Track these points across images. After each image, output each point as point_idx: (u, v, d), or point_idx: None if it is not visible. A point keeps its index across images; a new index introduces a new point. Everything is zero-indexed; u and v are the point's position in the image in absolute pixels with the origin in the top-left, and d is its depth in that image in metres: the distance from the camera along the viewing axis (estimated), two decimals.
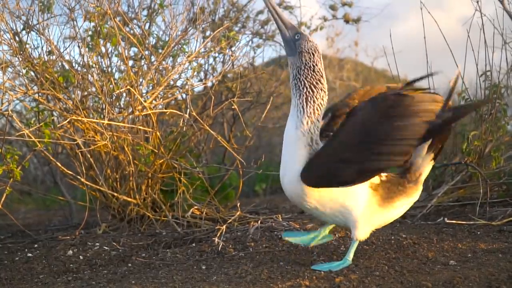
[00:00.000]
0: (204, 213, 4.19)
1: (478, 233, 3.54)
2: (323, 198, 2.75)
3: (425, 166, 2.87)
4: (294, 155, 2.76)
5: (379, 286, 2.58)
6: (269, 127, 8.69)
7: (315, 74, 2.78)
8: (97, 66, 4.16)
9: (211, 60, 5.50)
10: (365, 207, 2.77)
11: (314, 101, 2.75)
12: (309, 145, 2.73)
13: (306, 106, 2.75)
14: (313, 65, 2.78)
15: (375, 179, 2.77)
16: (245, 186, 8.22)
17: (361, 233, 2.82)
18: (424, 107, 2.57)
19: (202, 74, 5.54)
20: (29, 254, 3.79)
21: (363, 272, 2.73)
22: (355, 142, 2.63)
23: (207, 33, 5.08)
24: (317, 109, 2.75)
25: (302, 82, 2.76)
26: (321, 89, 2.76)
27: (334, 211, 2.78)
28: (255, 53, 5.76)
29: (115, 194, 4.25)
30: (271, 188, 8.28)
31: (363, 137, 2.60)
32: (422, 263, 2.84)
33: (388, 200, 2.80)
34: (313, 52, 2.80)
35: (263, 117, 4.54)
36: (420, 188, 2.90)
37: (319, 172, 2.69)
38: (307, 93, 2.75)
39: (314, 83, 2.76)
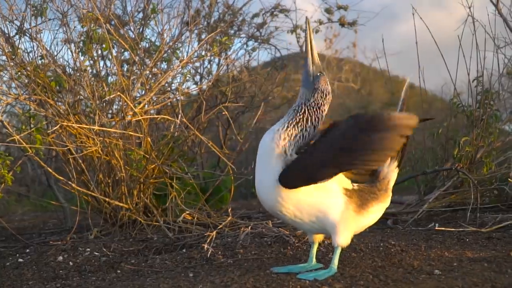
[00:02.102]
0: (196, 218, 4.19)
1: (467, 240, 3.54)
2: (300, 203, 2.80)
3: (392, 173, 2.98)
4: (269, 165, 2.81)
5: None
6: (267, 128, 8.65)
7: (318, 112, 2.87)
8: (87, 72, 4.16)
9: (206, 63, 5.53)
10: (342, 213, 2.82)
11: (302, 129, 2.83)
12: (283, 156, 2.79)
13: (292, 127, 2.82)
14: (321, 104, 2.89)
15: (349, 187, 2.85)
16: (242, 188, 8.26)
17: (342, 239, 2.86)
18: (399, 122, 2.62)
19: (198, 77, 5.55)
20: (20, 260, 3.80)
21: (347, 281, 2.73)
22: (335, 148, 2.69)
23: (203, 36, 5.09)
24: (300, 136, 2.82)
25: (304, 112, 2.85)
26: (314, 126, 2.85)
27: (311, 217, 2.82)
28: (250, 56, 5.78)
29: (107, 199, 4.26)
30: None
31: (343, 144, 2.68)
32: (407, 272, 2.84)
33: (363, 207, 2.87)
34: (327, 94, 2.92)
35: (255, 121, 4.55)
36: (390, 194, 2.99)
37: (297, 172, 2.75)
38: (302, 120, 2.84)
39: (313, 118, 2.85)
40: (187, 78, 5.11)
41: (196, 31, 5.30)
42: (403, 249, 3.31)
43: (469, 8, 4.32)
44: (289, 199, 2.79)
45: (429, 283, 2.65)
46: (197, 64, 5.47)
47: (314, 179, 2.73)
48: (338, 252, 2.89)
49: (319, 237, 3.04)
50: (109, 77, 4.54)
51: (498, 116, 4.33)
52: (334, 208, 2.81)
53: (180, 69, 4.32)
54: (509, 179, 4.09)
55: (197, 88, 4.90)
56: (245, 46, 5.80)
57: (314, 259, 3.03)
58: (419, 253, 3.21)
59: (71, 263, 3.66)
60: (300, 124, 2.82)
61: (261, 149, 2.88)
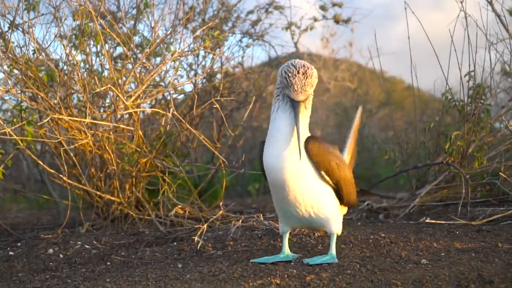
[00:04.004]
0: (188, 212, 4.19)
1: (457, 232, 3.55)
2: (307, 182, 2.91)
3: None
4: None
5: (349, 284, 2.59)
6: (264, 127, 8.67)
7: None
8: (78, 66, 4.16)
9: (201, 59, 5.52)
10: (335, 202, 3.02)
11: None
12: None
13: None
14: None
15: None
16: (238, 186, 8.27)
17: (338, 227, 3.04)
18: None
19: (192, 73, 5.55)
20: (11, 253, 3.80)
21: (335, 271, 2.74)
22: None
23: (198, 32, 5.09)
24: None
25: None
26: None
27: (312, 202, 2.94)
28: (244, 52, 5.78)
29: (99, 193, 4.26)
30: (265, 188, 8.27)
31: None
32: (394, 262, 2.85)
33: None
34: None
35: (247, 114, 4.56)
36: None
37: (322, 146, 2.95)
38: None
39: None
40: (181, 74, 5.11)
41: (190, 28, 5.30)
42: (392, 241, 3.32)
43: (461, 3, 4.31)
44: (300, 179, 2.88)
45: (416, 272, 2.66)
46: (192, 61, 5.47)
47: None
48: (335, 239, 3.03)
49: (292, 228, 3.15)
50: (102, 72, 4.54)
51: (490, 110, 4.33)
52: (331, 197, 2.99)
53: (172, 62, 4.31)
54: (500, 174, 4.08)
55: (189, 82, 4.89)
56: (239, 43, 5.81)
57: (288, 249, 3.09)
58: (408, 245, 3.22)
59: (61, 256, 3.66)
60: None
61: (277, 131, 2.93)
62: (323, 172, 2.92)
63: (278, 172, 2.89)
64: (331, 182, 2.95)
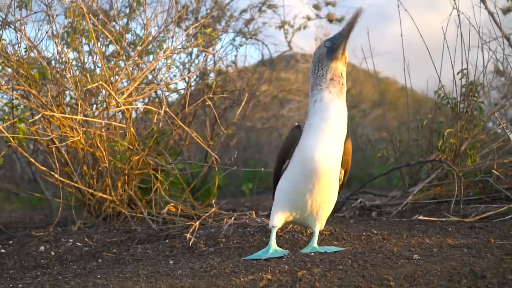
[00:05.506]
0: (180, 210, 4.18)
1: (449, 229, 3.54)
2: (336, 180, 3.03)
3: None
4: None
5: (340, 279, 2.57)
6: (258, 127, 8.67)
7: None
8: (70, 63, 4.14)
9: (194, 57, 5.51)
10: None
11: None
12: None
13: None
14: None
15: None
16: (232, 186, 8.25)
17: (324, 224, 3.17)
18: None
19: (185, 71, 5.54)
20: (2, 250, 3.79)
21: (326, 266, 2.72)
22: None
23: (190, 30, 5.08)
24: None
25: None
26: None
27: (330, 197, 3.05)
28: (237, 51, 5.77)
29: (91, 190, 4.25)
30: (258, 189, 8.26)
31: None
32: (386, 258, 2.83)
33: None
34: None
35: (238, 113, 4.55)
36: None
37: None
38: None
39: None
40: (175, 73, 5.09)
41: (183, 27, 5.29)
42: (384, 237, 3.31)
43: (454, 0, 4.30)
44: (335, 172, 2.99)
45: (408, 267, 2.64)
46: (185, 59, 5.46)
47: None
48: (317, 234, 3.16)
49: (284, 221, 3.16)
50: (94, 70, 4.51)
51: (482, 108, 4.32)
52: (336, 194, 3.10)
53: (165, 60, 4.30)
54: (493, 171, 4.07)
55: (181, 79, 4.87)
56: (233, 41, 5.79)
57: (275, 244, 3.11)
58: (400, 241, 3.21)
59: (52, 253, 3.64)
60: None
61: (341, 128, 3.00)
62: (342, 171, 3.06)
63: (320, 162, 2.94)
64: (340, 182, 3.09)
